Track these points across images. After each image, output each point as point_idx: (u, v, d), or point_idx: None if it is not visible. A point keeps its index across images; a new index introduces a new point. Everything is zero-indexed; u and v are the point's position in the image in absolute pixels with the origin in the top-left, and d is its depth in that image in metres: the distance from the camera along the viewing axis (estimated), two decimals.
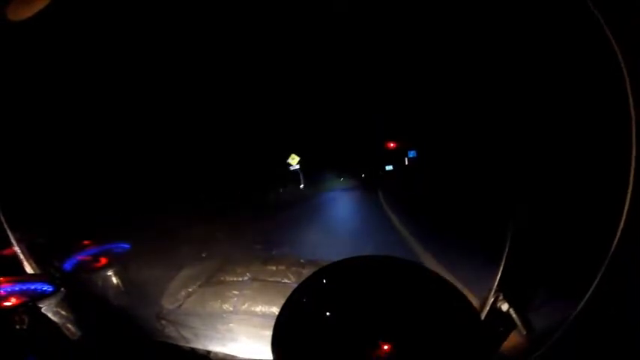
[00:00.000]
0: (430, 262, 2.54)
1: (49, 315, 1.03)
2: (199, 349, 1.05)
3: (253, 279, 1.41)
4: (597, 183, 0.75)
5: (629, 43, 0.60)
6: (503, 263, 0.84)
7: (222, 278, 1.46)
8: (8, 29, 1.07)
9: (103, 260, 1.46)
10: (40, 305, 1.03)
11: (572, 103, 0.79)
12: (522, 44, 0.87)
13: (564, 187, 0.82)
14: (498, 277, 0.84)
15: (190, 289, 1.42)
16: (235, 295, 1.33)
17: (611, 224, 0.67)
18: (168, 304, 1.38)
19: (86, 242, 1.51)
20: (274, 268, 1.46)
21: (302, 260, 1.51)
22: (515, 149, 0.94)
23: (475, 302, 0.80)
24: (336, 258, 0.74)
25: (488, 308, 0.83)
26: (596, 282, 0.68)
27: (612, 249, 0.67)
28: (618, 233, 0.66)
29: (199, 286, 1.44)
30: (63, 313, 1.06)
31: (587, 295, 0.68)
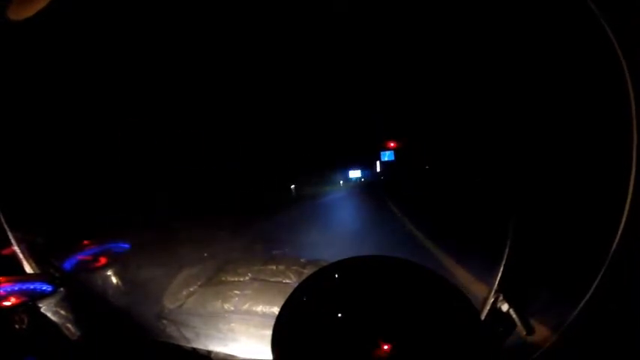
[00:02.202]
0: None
1: (49, 315, 1.03)
2: (200, 349, 1.06)
3: (254, 279, 1.42)
4: (597, 183, 0.75)
5: (630, 42, 0.60)
6: (503, 263, 0.84)
7: (223, 278, 1.46)
8: (9, 28, 1.07)
9: (103, 260, 1.46)
10: (40, 305, 1.03)
11: (572, 102, 0.79)
12: (522, 44, 0.87)
13: (564, 187, 0.82)
14: (498, 278, 0.84)
15: (191, 289, 1.43)
16: (236, 295, 1.33)
17: (611, 224, 0.67)
18: (169, 303, 1.38)
19: (86, 242, 1.51)
20: (275, 267, 1.46)
21: (302, 260, 1.51)
22: (515, 150, 0.94)
23: (475, 302, 0.79)
24: (336, 258, 0.74)
25: (488, 308, 0.84)
26: (596, 282, 0.68)
27: (612, 249, 0.67)
28: (619, 233, 0.67)
29: (200, 285, 1.44)
30: (63, 313, 1.06)
31: (588, 296, 0.68)
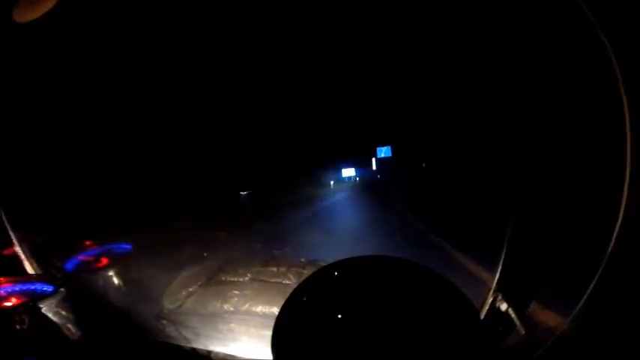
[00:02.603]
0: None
1: (49, 315, 1.03)
2: (200, 349, 1.06)
3: (254, 279, 1.42)
4: (594, 183, 0.75)
5: (623, 43, 0.61)
6: (501, 263, 0.84)
7: (222, 278, 1.46)
8: (14, 30, 1.08)
9: (104, 260, 1.47)
10: (40, 305, 1.03)
11: (567, 103, 0.80)
12: (518, 45, 0.88)
13: (562, 187, 0.83)
14: (497, 277, 0.84)
15: (191, 289, 1.43)
16: (236, 295, 1.33)
17: (608, 224, 0.68)
18: (169, 304, 1.38)
19: (87, 242, 1.51)
20: (275, 268, 1.46)
21: (302, 260, 1.51)
22: (514, 151, 0.94)
23: (475, 302, 0.79)
24: (336, 258, 0.75)
25: (487, 308, 0.84)
26: (594, 281, 0.68)
27: (610, 249, 0.68)
28: (615, 233, 0.67)
29: (200, 286, 1.44)
30: (63, 313, 1.06)
31: (586, 295, 0.68)
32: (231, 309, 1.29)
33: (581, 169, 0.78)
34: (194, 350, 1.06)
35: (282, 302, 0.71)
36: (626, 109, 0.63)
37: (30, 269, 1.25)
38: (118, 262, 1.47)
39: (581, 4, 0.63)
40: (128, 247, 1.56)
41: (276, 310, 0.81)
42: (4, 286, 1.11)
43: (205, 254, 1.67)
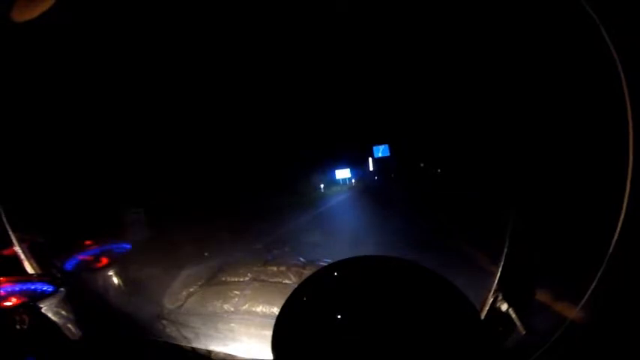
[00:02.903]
0: None
1: (49, 315, 1.03)
2: (200, 349, 1.06)
3: (254, 279, 1.42)
4: (595, 184, 0.75)
5: (626, 44, 0.61)
6: (502, 263, 0.84)
7: (223, 278, 1.46)
8: (12, 30, 1.08)
9: (104, 260, 1.47)
10: (40, 305, 1.03)
11: (570, 103, 0.79)
12: (521, 44, 0.88)
13: (563, 187, 0.83)
14: (498, 277, 0.84)
15: (191, 289, 1.43)
16: (236, 295, 1.33)
17: (610, 225, 0.68)
18: (169, 304, 1.39)
19: (87, 242, 1.51)
20: (275, 268, 1.46)
21: (303, 260, 1.52)
22: (514, 150, 0.94)
23: (475, 302, 0.79)
24: (336, 258, 0.75)
25: (488, 308, 0.84)
26: (595, 282, 0.68)
27: (611, 249, 0.68)
28: (617, 233, 0.67)
29: (200, 286, 1.44)
30: (63, 313, 1.06)
31: (587, 294, 0.68)
32: (232, 309, 1.29)
33: (583, 169, 0.78)
34: (194, 350, 1.06)
35: (282, 302, 0.71)
36: (629, 108, 0.63)
37: (30, 269, 1.25)
38: (117, 261, 1.47)
39: (583, 3, 0.63)
40: (128, 246, 1.56)
41: (276, 310, 0.81)
42: (3, 286, 1.10)
43: (206, 254, 1.67)
